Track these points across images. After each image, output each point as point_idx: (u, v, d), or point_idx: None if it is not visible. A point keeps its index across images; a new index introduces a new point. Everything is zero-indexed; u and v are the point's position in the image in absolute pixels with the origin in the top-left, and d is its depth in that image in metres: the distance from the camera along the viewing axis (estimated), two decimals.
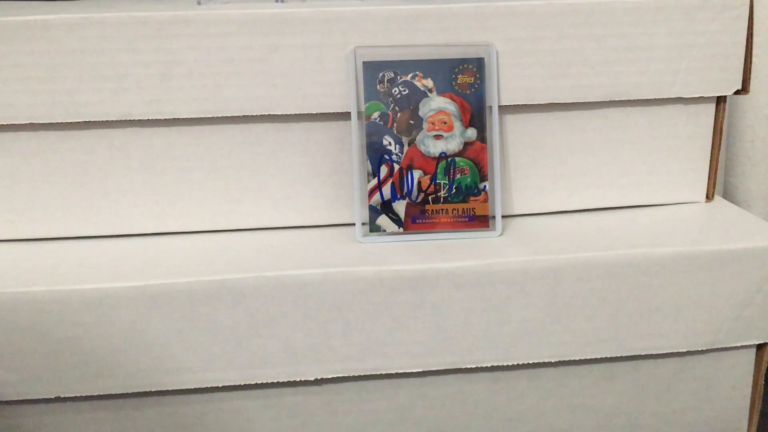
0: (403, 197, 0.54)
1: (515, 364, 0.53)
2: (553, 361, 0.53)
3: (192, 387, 0.51)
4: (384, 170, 0.54)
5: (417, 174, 0.54)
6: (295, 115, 0.54)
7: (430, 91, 0.54)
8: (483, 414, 0.55)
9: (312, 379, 0.52)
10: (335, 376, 0.52)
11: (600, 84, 0.55)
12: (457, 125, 0.54)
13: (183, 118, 0.54)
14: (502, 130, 0.56)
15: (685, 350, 0.54)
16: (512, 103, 0.55)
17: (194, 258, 0.52)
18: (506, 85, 0.54)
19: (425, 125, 0.54)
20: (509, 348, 0.52)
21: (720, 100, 0.58)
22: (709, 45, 0.55)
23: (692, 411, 0.57)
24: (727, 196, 0.77)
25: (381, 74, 0.53)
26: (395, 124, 0.54)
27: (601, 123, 0.57)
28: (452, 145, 0.54)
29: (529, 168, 0.58)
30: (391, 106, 0.53)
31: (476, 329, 0.51)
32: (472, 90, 0.54)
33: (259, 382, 0.51)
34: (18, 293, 0.48)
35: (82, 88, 0.51)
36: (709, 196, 0.61)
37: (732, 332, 0.54)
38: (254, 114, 0.53)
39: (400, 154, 0.54)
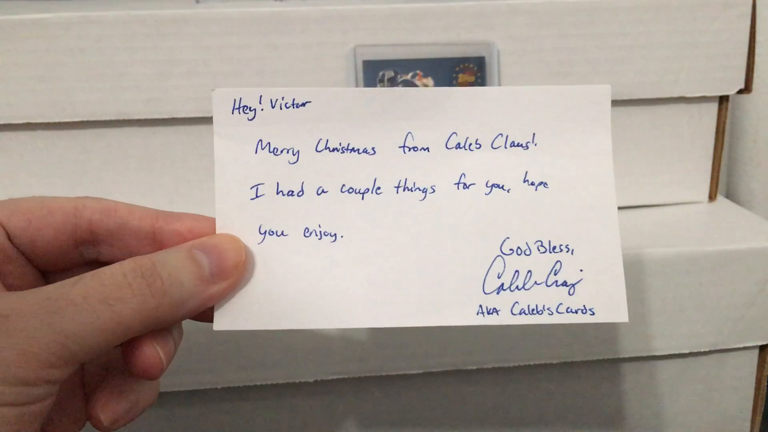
0: None
1: (516, 365, 0.53)
2: (554, 362, 0.53)
3: (191, 388, 0.51)
4: None
5: None
6: None
7: None
8: (483, 416, 0.55)
9: (311, 380, 0.51)
10: (335, 377, 0.51)
11: (601, 83, 0.55)
12: None
13: (182, 118, 0.53)
14: None
15: (687, 351, 0.54)
16: None
17: None
18: (507, 84, 0.54)
19: None
20: (510, 349, 0.52)
21: (722, 100, 0.58)
22: (711, 44, 0.55)
23: (694, 412, 0.57)
24: (729, 195, 0.76)
25: (381, 73, 0.53)
26: None
27: None
28: None
29: None
30: None
31: (477, 330, 0.51)
32: None
33: (258, 383, 0.51)
34: None
35: (79, 87, 0.51)
36: (711, 196, 0.61)
37: (735, 333, 0.54)
38: None
39: None
